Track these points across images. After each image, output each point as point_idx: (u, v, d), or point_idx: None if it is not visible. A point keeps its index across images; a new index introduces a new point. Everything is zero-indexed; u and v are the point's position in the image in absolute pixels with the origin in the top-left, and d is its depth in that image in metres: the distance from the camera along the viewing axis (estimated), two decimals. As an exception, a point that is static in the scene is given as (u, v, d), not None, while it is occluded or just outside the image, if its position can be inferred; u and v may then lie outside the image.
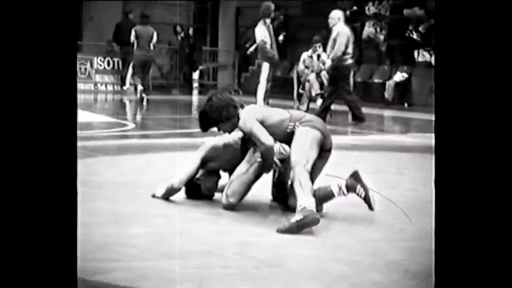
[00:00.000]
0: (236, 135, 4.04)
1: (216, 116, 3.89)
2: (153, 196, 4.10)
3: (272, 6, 9.27)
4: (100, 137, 7.21)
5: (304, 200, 3.48)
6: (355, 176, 3.81)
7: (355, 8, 14.48)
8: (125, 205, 3.99)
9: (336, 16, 9.07)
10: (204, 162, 4.09)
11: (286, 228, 3.43)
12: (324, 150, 3.85)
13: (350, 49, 8.96)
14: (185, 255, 2.99)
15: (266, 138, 3.77)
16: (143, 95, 11.94)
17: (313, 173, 3.77)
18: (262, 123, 3.81)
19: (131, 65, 12.87)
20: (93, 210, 3.77)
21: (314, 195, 3.58)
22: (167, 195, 4.07)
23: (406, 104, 13.07)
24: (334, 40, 8.89)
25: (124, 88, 13.63)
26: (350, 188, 3.79)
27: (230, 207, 3.85)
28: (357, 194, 3.78)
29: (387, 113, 12.18)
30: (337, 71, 8.92)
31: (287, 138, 3.79)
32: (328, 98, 9.20)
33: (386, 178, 5.22)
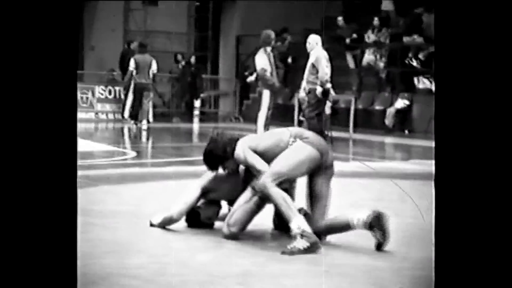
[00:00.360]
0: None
1: (222, 153, 3.91)
2: (151, 224, 4.08)
3: (273, 35, 9.34)
4: (101, 166, 7.21)
5: (298, 221, 3.56)
6: (380, 218, 3.70)
7: (355, 35, 14.58)
8: (126, 234, 3.96)
9: (314, 41, 9.13)
10: (204, 193, 4.08)
11: (292, 252, 3.51)
12: (324, 168, 3.84)
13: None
14: (187, 286, 2.95)
15: (260, 165, 3.79)
16: (141, 124, 12.22)
17: (319, 191, 3.80)
18: (255, 151, 3.84)
19: (130, 93, 13.07)
20: (93, 239, 3.74)
21: (329, 224, 3.69)
22: (164, 224, 4.06)
23: (406, 131, 13.08)
24: (313, 65, 8.94)
25: (125, 116, 13.71)
26: (370, 227, 3.70)
27: (232, 237, 3.82)
28: (374, 236, 3.70)
29: (388, 140, 12.19)
30: (323, 93, 8.96)
31: None
32: (316, 118, 9.14)
33: (389, 206, 5.19)
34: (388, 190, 6.06)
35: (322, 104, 9.17)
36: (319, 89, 8.96)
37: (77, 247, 2.06)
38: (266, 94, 9.30)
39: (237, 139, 3.96)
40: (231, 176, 4.03)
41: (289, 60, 14.88)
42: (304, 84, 10.68)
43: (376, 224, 3.67)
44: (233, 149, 3.90)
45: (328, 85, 9.05)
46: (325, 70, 8.88)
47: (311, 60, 9.01)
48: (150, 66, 12.30)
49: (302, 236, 3.54)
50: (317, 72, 8.94)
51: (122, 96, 13.96)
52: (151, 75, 12.38)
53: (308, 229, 3.58)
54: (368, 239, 3.75)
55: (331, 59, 9.35)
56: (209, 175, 4.10)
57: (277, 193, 3.67)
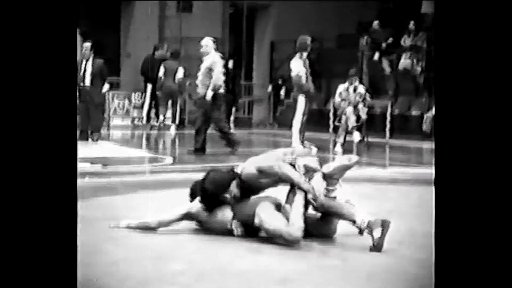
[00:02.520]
0: (227, 206, 3.96)
1: (217, 190, 3.89)
2: (128, 226, 4.06)
3: (309, 40, 9.30)
4: (139, 172, 7.26)
5: (362, 216, 3.78)
6: (384, 225, 3.72)
7: (390, 40, 14.45)
8: (165, 240, 3.96)
9: (208, 45, 8.95)
10: (188, 217, 4.05)
11: (380, 246, 3.71)
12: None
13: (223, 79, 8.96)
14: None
15: (297, 176, 3.88)
16: (163, 124, 12.79)
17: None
18: (260, 170, 3.93)
19: (147, 99, 13.63)
20: (133, 245, 3.75)
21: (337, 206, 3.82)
22: (139, 229, 4.04)
23: (444, 136, 12.89)
24: (208, 69, 8.77)
25: (156, 123, 13.98)
26: (368, 228, 3.74)
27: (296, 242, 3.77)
28: (372, 238, 3.72)
29: (426, 145, 12.02)
30: (214, 98, 8.79)
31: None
32: (202, 125, 9.00)
33: (429, 212, 5.09)
34: (428, 197, 5.95)
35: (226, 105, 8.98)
36: (209, 93, 8.75)
37: (77, 250, 2.05)
38: (301, 100, 9.26)
39: (233, 169, 3.97)
40: (222, 211, 3.95)
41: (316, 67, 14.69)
42: (340, 89, 10.63)
43: (384, 229, 3.70)
44: (232, 179, 3.90)
45: (222, 90, 8.88)
46: (220, 77, 8.75)
47: (206, 64, 8.83)
48: (176, 72, 12.77)
49: (369, 229, 3.69)
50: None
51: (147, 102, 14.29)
52: (176, 81, 12.84)
53: (370, 218, 3.70)
54: (409, 246, 3.68)
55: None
56: (196, 204, 4.05)
57: (335, 203, 3.83)
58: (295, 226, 3.73)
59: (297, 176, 3.84)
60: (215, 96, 8.83)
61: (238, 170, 3.98)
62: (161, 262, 3.44)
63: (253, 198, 4.01)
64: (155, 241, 3.91)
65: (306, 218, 3.86)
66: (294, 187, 3.88)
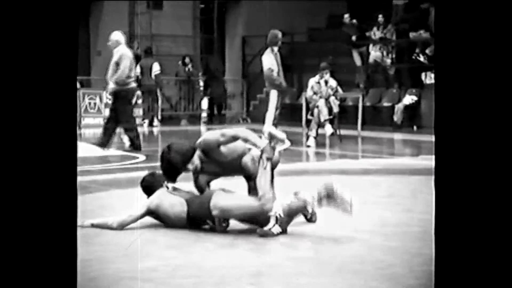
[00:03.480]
0: (182, 199, 4.05)
1: (182, 160, 4.02)
2: (92, 225, 4.08)
3: (280, 34, 9.32)
4: (111, 170, 7.22)
5: (277, 204, 3.90)
6: (328, 189, 3.81)
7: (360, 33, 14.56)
8: (138, 238, 3.95)
9: (116, 38, 8.78)
10: (149, 213, 4.10)
11: (266, 234, 3.82)
12: None
13: (133, 73, 8.85)
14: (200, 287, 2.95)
15: (258, 139, 4.02)
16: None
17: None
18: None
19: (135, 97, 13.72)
20: (105, 244, 3.74)
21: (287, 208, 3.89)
22: (100, 227, 4.06)
23: (415, 127, 13.03)
24: (117, 63, 8.60)
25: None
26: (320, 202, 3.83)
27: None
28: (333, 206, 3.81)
29: (397, 136, 12.15)
30: (119, 95, 8.66)
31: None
32: (110, 122, 8.90)
33: (400, 202, 5.17)
34: (399, 186, 6.03)
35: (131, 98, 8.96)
36: (111, 87, 8.62)
37: (77, 250, 2.05)
38: (273, 94, 9.28)
39: (194, 148, 4.08)
40: (177, 204, 4.04)
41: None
42: (311, 82, 10.67)
43: (327, 197, 3.80)
44: (195, 150, 4.05)
45: (131, 86, 8.70)
46: (125, 71, 8.54)
47: (114, 58, 8.67)
48: (151, 69, 13.31)
49: (277, 220, 3.80)
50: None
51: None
52: (153, 77, 13.35)
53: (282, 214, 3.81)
54: (381, 235, 3.73)
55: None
56: (152, 201, 4.12)
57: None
58: (265, 197, 3.81)
59: (257, 138, 3.97)
60: (120, 91, 8.58)
61: (198, 142, 4.11)
62: (133, 259, 3.44)
63: (206, 192, 4.08)
64: (127, 239, 3.90)
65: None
66: (254, 180, 3.95)
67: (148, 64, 13.27)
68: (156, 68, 13.32)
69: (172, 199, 4.07)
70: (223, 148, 4.05)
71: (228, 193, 3.96)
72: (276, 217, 3.80)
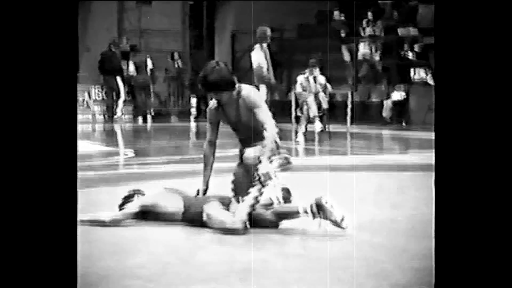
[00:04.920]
0: (179, 205, 4.12)
1: (229, 78, 4.09)
2: (80, 221, 4.07)
3: (269, 30, 9.32)
4: (100, 167, 7.20)
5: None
6: (318, 204, 3.85)
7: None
8: (126, 234, 3.96)
9: None
10: (142, 212, 4.14)
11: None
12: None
13: None
14: (189, 284, 2.96)
15: (271, 123, 4.19)
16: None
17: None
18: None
19: (122, 94, 13.92)
20: (93, 241, 3.74)
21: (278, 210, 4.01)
22: (92, 223, 4.06)
23: (404, 123, 13.09)
24: None
25: (116, 117, 14.06)
26: (313, 214, 3.87)
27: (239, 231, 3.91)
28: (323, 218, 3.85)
29: (386, 132, 12.20)
30: None
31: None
32: None
33: (388, 198, 5.20)
34: (387, 182, 6.07)
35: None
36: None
37: (77, 248, 2.06)
38: (262, 91, 9.29)
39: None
40: (173, 205, 4.11)
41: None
42: (300, 78, 10.68)
43: (318, 210, 3.83)
44: (232, 82, 4.11)
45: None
46: None
47: None
48: (146, 65, 13.66)
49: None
50: None
51: (106, 97, 14.31)
52: (149, 73, 13.72)
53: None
54: (369, 232, 3.75)
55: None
56: (149, 197, 4.18)
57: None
58: (237, 217, 3.92)
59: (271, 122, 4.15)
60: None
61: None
62: (122, 256, 3.44)
63: (202, 197, 4.22)
64: (115, 235, 3.91)
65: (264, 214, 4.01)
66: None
67: (142, 59, 13.62)
68: (150, 63, 13.61)
69: (169, 195, 4.18)
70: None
71: (218, 203, 4.05)
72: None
